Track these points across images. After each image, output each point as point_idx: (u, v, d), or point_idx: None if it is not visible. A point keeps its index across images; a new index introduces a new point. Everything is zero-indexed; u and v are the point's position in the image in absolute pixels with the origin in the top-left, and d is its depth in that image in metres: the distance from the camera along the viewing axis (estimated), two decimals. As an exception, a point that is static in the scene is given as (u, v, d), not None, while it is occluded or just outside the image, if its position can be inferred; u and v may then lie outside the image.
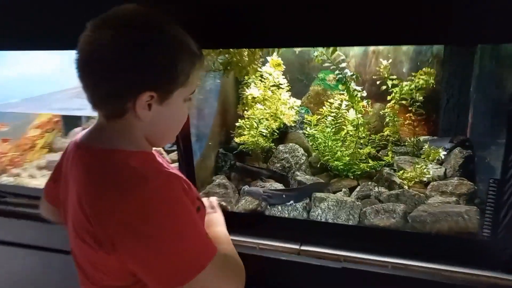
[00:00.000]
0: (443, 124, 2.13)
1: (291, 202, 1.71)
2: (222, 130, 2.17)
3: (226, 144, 2.11)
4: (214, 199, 1.24)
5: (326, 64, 1.77)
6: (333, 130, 1.85)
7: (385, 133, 1.97)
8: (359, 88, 1.75)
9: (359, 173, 1.86)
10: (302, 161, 1.99)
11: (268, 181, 1.91)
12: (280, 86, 2.00)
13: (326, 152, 1.89)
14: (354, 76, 1.72)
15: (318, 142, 1.91)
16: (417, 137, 2.00)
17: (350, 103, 1.78)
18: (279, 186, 1.85)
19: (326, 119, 1.92)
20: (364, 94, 1.76)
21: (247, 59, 1.73)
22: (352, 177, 1.88)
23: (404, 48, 2.20)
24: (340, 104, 1.84)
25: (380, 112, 1.97)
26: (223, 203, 1.78)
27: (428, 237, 1.41)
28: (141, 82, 0.76)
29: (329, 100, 1.94)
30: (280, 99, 1.96)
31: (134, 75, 0.74)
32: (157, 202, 0.73)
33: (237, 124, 2.01)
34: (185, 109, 0.88)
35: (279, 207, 1.60)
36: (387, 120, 1.96)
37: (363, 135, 1.85)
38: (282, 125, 2.02)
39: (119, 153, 0.80)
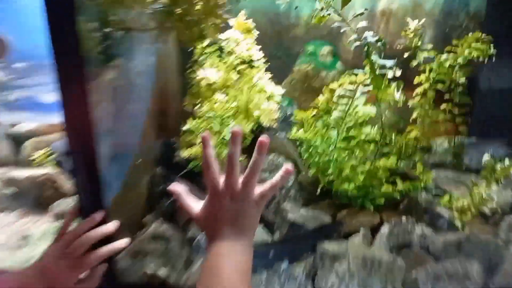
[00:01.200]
0: (485, 119, 1.49)
1: (283, 264, 0.99)
2: (160, 138, 1.39)
3: (167, 161, 1.33)
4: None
5: (342, 24, 1.04)
6: (343, 133, 1.13)
7: (411, 135, 1.29)
8: (389, 62, 1.05)
9: (381, 201, 1.18)
10: (290, 183, 1.27)
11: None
12: (253, 63, 1.25)
13: (329, 169, 1.18)
14: (380, 43, 1.01)
15: (316, 153, 1.19)
16: (457, 139, 1.34)
17: (372, 88, 1.07)
18: (258, 232, 1.12)
19: (327, 117, 1.20)
20: (398, 73, 1.06)
21: (200, 7, 0.95)
22: (371, 208, 1.19)
23: (427, 6, 1.53)
24: (353, 92, 1.13)
25: (409, 102, 1.29)
26: (163, 271, 1.02)
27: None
28: None
29: (330, 86, 1.22)
30: (254, 85, 1.21)
31: None
32: None
33: (184, 128, 1.24)
34: None
35: (264, 274, 0.87)
36: (415, 114, 1.28)
37: (390, 138, 1.17)
38: (255, 127, 1.28)
39: None
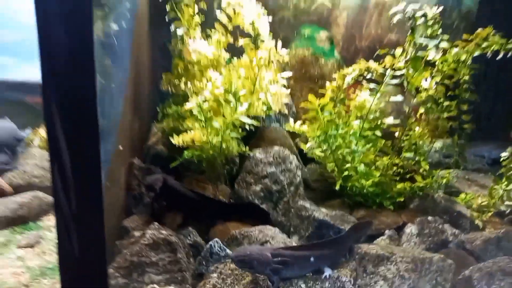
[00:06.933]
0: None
1: (327, 271, 0.88)
2: (139, 121, 1.20)
3: (146, 151, 1.15)
4: None
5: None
6: (366, 123, 1.09)
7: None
8: (433, 42, 1.03)
9: (401, 199, 1.17)
10: (298, 180, 1.18)
11: (247, 224, 1.05)
12: (260, 37, 1.15)
13: (347, 163, 1.13)
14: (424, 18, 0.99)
15: (330, 145, 1.13)
16: (459, 139, 1.39)
17: (406, 71, 1.05)
18: (275, 234, 1.01)
19: (341, 105, 1.16)
20: (438, 56, 1.05)
21: None
22: (391, 207, 1.17)
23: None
24: (381, 75, 1.09)
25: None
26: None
27: None
28: None
29: (345, 70, 1.18)
30: (261, 66, 1.10)
31: None
32: None
33: (187, 106, 1.07)
34: None
35: (301, 284, 0.77)
36: (424, 108, 1.29)
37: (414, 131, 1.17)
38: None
39: None
